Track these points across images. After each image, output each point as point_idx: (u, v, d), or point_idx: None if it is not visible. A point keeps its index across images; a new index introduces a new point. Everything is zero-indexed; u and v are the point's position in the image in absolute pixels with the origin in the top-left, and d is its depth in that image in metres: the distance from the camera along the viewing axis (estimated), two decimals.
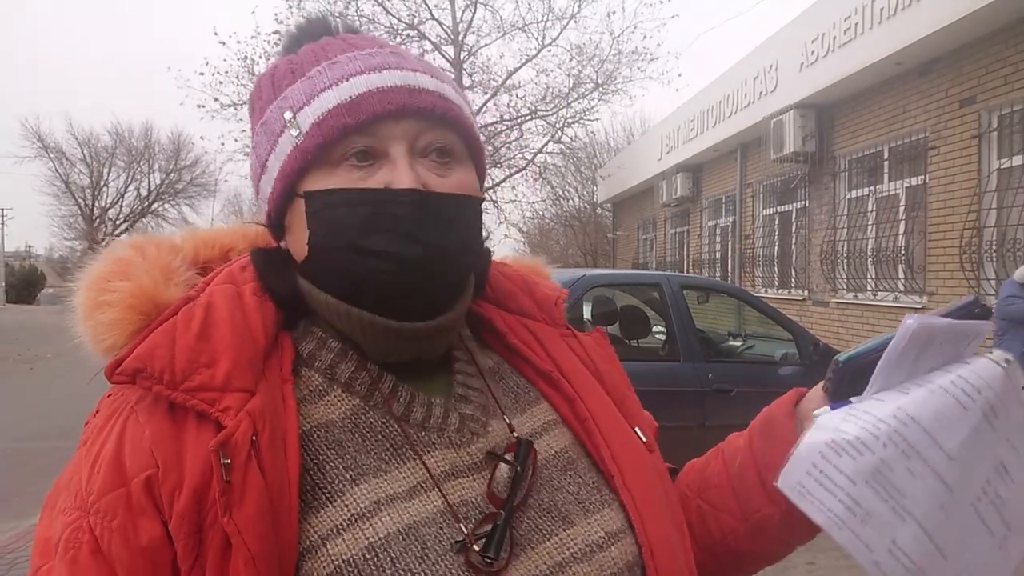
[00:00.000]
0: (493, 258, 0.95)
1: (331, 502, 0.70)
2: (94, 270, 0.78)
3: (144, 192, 39.56)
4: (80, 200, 38.74)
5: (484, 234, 0.84)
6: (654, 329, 6.39)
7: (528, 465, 0.77)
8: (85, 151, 38.67)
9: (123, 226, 38.83)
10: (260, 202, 0.82)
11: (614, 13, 29.10)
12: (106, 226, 38.52)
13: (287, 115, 0.76)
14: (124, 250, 0.80)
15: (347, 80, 0.75)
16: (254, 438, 0.67)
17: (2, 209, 54.42)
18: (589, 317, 6.34)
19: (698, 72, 19.74)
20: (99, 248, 0.84)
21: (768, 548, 0.94)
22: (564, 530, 0.76)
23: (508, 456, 0.77)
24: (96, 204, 38.84)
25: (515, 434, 0.80)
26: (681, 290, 5.94)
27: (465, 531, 0.71)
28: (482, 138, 0.88)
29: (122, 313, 0.74)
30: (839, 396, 0.82)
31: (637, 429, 0.88)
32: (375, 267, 0.73)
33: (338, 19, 0.87)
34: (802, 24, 10.89)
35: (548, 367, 0.87)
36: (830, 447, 0.73)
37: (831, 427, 0.75)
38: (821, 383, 0.89)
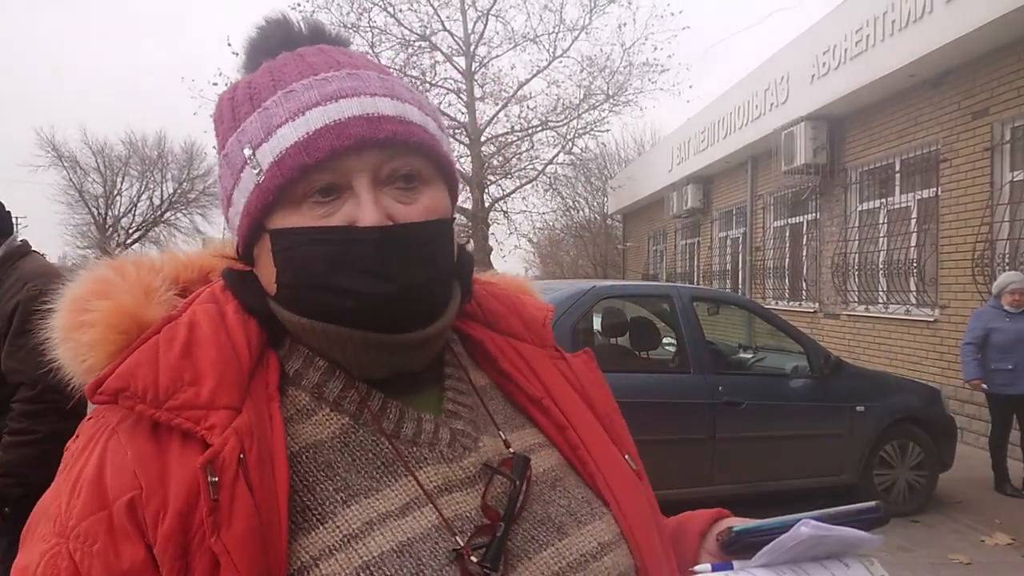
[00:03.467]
0: (481, 275, 0.95)
1: (322, 524, 0.69)
2: (73, 291, 0.76)
3: (157, 201, 39.68)
4: (93, 209, 38.91)
5: (455, 248, 0.82)
6: (664, 341, 6.36)
7: (524, 478, 0.78)
8: (99, 160, 38.85)
9: (136, 235, 39.01)
10: (230, 231, 0.81)
11: (625, 25, 29.21)
12: (119, 235, 38.67)
13: (247, 151, 0.74)
14: (103, 270, 0.78)
15: (303, 114, 0.73)
16: (241, 456, 0.65)
17: (16, 217, 54.83)
18: (599, 328, 6.33)
19: (709, 84, 19.77)
20: (101, 259, 0.84)
21: None
22: (559, 540, 0.77)
23: (504, 470, 0.77)
24: (109, 213, 38.99)
25: (511, 450, 0.80)
26: (691, 302, 5.92)
27: (462, 543, 0.71)
28: (455, 154, 0.87)
29: (103, 332, 0.72)
30: (725, 556, 0.85)
31: (627, 456, 0.88)
32: (341, 304, 0.73)
33: (300, 22, 0.84)
34: (813, 36, 10.88)
35: (539, 393, 0.86)
36: None
37: None
38: (732, 522, 0.91)
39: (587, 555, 0.77)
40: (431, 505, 0.73)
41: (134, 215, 39.74)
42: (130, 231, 39.22)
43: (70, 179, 38.37)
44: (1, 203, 2.79)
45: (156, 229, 39.72)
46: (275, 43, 0.82)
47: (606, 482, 0.83)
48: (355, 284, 0.72)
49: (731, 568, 0.80)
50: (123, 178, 39.33)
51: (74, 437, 0.74)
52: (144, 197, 39.60)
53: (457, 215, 0.86)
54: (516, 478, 0.76)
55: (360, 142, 0.72)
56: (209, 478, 0.63)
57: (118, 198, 39.44)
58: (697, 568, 0.82)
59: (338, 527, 0.69)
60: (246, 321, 0.75)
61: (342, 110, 0.73)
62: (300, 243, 0.73)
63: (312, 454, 0.73)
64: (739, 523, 0.85)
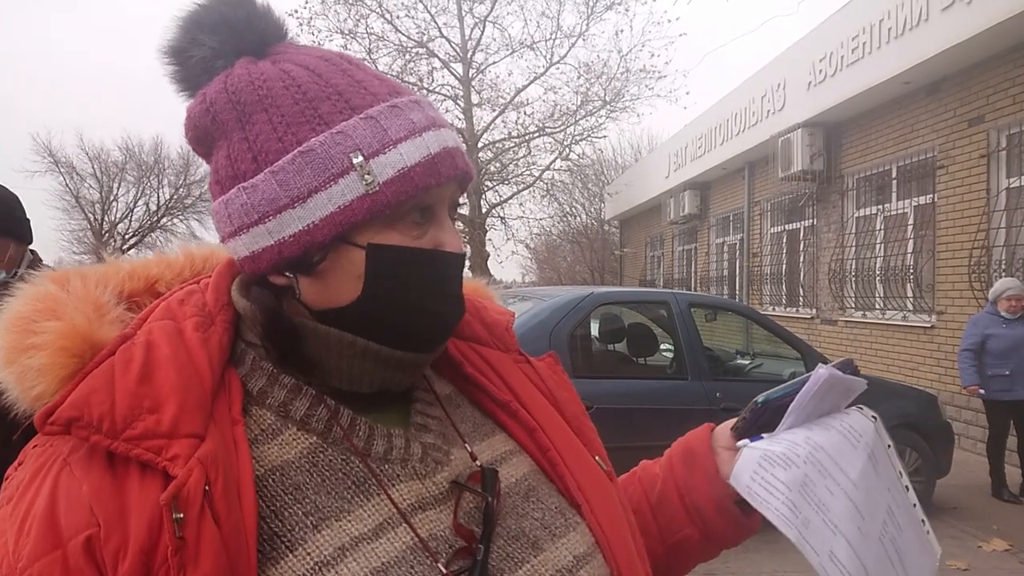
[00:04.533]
0: None
1: (291, 551, 0.65)
2: (14, 309, 0.70)
3: (153, 207, 39.57)
4: (89, 214, 38.77)
5: None
6: (661, 347, 6.35)
7: (495, 494, 0.76)
8: (95, 166, 38.68)
9: (132, 240, 38.92)
10: (263, 232, 0.71)
11: (622, 31, 29.37)
12: (115, 240, 38.55)
13: (356, 158, 0.69)
14: (47, 286, 0.72)
15: (419, 135, 0.71)
16: (207, 488, 0.62)
17: None
18: (597, 334, 6.33)
19: (706, 90, 19.88)
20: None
21: (681, 564, 1.00)
22: (534, 556, 0.75)
23: (473, 485, 0.76)
24: (105, 219, 38.86)
25: (478, 463, 0.78)
26: (689, 308, 5.92)
27: (444, 570, 0.69)
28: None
29: (53, 356, 0.67)
30: (751, 433, 0.92)
31: (598, 458, 0.88)
32: (421, 323, 0.75)
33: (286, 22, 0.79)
34: (810, 43, 10.91)
35: (506, 397, 0.85)
36: (765, 458, 0.86)
37: (761, 447, 0.87)
38: (731, 421, 0.95)
39: (563, 570, 0.75)
40: (404, 525, 0.70)
41: (130, 221, 39.60)
42: (126, 237, 39.11)
43: (66, 185, 38.23)
44: (23, 208, 2.55)
45: (152, 235, 39.63)
46: (262, 21, 0.77)
47: (578, 485, 0.82)
48: (442, 306, 0.76)
49: (762, 439, 0.89)
50: (119, 184, 39.19)
51: (16, 464, 0.69)
52: (140, 203, 39.46)
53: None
54: (487, 494, 0.74)
55: (463, 174, 0.75)
56: (173, 515, 0.59)
57: (114, 204, 39.31)
58: (739, 443, 0.91)
59: (309, 554, 0.66)
60: (206, 338, 0.71)
61: (445, 139, 0.74)
62: (402, 262, 0.72)
63: (279, 476, 0.69)
64: (762, 395, 0.93)
